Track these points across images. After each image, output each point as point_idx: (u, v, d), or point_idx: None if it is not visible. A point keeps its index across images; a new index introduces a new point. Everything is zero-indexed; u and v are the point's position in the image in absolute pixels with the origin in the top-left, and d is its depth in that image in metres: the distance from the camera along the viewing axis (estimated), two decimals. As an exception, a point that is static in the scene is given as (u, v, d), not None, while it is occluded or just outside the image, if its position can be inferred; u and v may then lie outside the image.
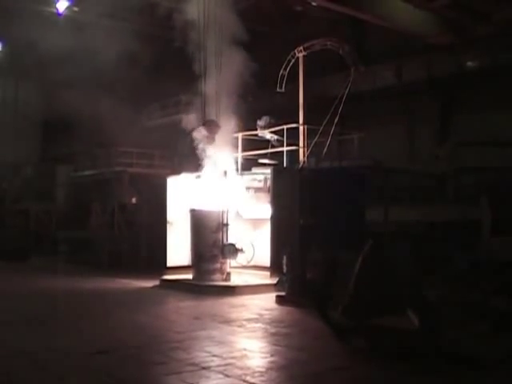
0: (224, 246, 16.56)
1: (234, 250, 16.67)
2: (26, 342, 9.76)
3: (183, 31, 17.47)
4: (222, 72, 17.25)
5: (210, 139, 17.26)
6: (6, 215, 32.06)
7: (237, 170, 18.38)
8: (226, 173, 17.34)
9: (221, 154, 17.63)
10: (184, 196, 18.08)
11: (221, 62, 17.13)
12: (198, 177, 17.87)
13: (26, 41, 24.74)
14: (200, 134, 17.34)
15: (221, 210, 16.76)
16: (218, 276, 16.40)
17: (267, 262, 15.83)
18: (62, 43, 22.74)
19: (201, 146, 17.49)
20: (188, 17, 17.36)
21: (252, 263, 17.50)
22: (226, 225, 16.74)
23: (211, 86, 17.27)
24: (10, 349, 9.21)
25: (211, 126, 17.18)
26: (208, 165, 17.49)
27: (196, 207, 17.15)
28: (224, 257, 16.53)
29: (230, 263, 16.97)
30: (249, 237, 17.71)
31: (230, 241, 16.73)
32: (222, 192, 17.15)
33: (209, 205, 16.97)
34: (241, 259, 17.28)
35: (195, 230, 17.03)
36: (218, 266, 16.45)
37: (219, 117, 17.36)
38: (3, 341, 9.82)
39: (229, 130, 17.91)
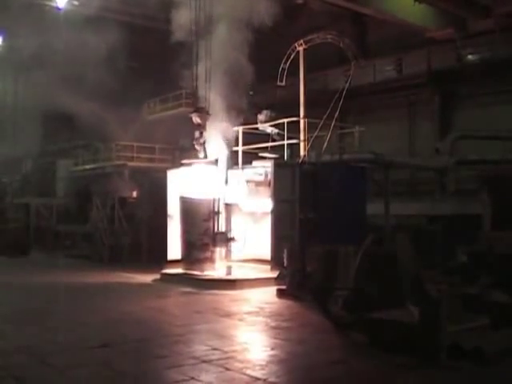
0: (215, 234, 16.52)
1: (225, 239, 16.65)
2: (27, 336, 9.78)
3: (180, 23, 17.46)
4: (216, 61, 17.22)
5: (201, 126, 17.12)
6: (7, 210, 32.06)
7: (230, 161, 18.36)
8: (217, 161, 17.26)
9: (212, 142, 17.57)
10: (184, 189, 18.04)
11: (211, 50, 17.01)
12: (189, 164, 17.73)
13: (26, 34, 24.73)
14: (192, 121, 17.23)
15: (212, 198, 16.73)
16: (208, 265, 16.37)
17: (268, 255, 15.86)
18: (62, 37, 22.75)
19: (194, 133, 17.38)
20: (185, 7, 17.29)
21: (252, 257, 17.50)
22: (218, 213, 16.70)
23: (203, 73, 17.15)
24: (12, 343, 9.23)
25: (201, 113, 17.07)
26: (200, 152, 17.36)
27: (186, 195, 17.12)
28: (215, 245, 16.50)
29: (231, 256, 17.02)
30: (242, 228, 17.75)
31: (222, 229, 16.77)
32: (214, 180, 17.11)
33: (200, 193, 16.93)
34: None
35: (186, 219, 16.93)
36: (208, 254, 16.43)
37: (209, 104, 17.23)
38: (4, 335, 9.83)
39: (221, 118, 17.83)
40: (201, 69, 17.05)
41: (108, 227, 23.85)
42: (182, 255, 17.03)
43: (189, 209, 16.85)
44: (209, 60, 16.98)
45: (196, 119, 17.03)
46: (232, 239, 16.95)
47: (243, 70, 17.28)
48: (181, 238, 17.08)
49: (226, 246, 16.84)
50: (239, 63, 17.23)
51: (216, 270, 16.45)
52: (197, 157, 17.29)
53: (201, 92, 17.23)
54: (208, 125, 17.24)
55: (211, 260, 16.45)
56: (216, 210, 16.68)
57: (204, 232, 16.43)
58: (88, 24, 23.88)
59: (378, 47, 24.95)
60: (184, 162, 17.90)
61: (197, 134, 17.12)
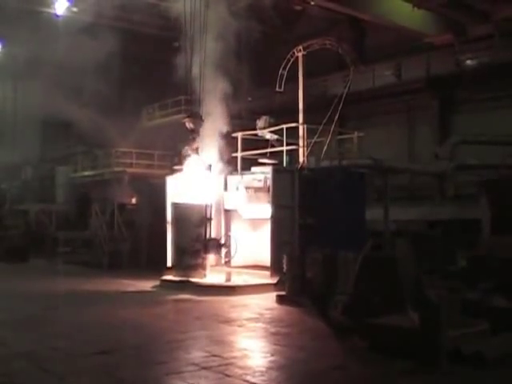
0: (207, 240, 16.51)
1: (217, 245, 16.64)
2: (26, 342, 9.76)
3: (178, 29, 17.50)
4: (213, 66, 17.25)
5: (195, 132, 17.10)
6: (6, 216, 32.05)
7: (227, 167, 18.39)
8: (210, 167, 17.24)
9: (206, 148, 17.56)
10: (178, 195, 18.03)
11: (204, 55, 17.01)
12: (182, 170, 17.70)
13: (25, 42, 24.78)
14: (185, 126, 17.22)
15: (204, 204, 16.72)
16: (200, 271, 16.33)
17: (267, 261, 15.85)
18: (61, 44, 22.80)
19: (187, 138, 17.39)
20: (181, 14, 17.32)
21: (252, 263, 17.50)
22: (210, 219, 16.68)
23: (197, 80, 17.15)
24: (12, 349, 9.22)
25: (195, 118, 17.03)
26: (193, 158, 17.35)
27: (178, 201, 17.09)
28: (207, 251, 16.49)
29: (224, 262, 17.04)
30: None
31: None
32: (206, 186, 17.10)
33: (192, 198, 16.89)
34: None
35: (177, 225, 16.91)
36: (200, 260, 16.39)
37: (203, 110, 17.21)
38: (4, 341, 9.81)
39: (215, 124, 17.84)
40: (195, 73, 17.08)
41: (107, 233, 23.83)
42: (172, 261, 17.01)
43: (181, 215, 16.82)
44: (203, 65, 17.01)
45: (189, 124, 17.00)
46: (224, 245, 16.93)
47: (240, 75, 17.30)
48: (172, 244, 17.07)
49: (218, 252, 16.82)
50: (236, 68, 17.26)
51: (207, 276, 16.41)
52: (190, 162, 17.31)
53: (195, 97, 17.23)
54: (203, 130, 17.25)
55: (202, 266, 16.40)
56: (208, 216, 16.65)
57: (196, 238, 16.40)
58: (87, 31, 23.93)
59: (376, 52, 25.00)
60: (176, 167, 17.89)
61: (190, 139, 17.11)
